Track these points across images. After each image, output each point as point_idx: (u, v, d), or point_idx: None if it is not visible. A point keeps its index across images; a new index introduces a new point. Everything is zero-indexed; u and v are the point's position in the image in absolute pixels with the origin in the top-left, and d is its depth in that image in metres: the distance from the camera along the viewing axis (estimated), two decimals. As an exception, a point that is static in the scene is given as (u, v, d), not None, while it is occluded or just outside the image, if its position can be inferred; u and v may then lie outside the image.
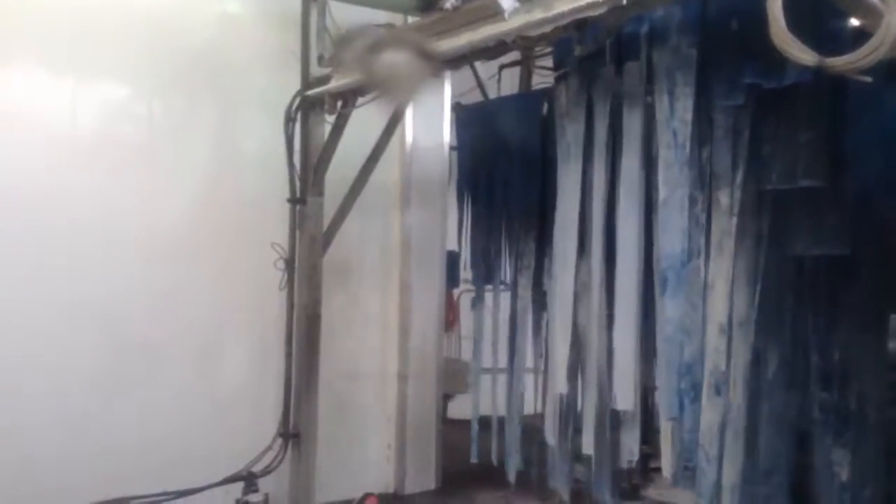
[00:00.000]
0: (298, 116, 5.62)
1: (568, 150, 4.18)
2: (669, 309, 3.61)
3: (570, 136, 4.16)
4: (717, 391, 3.49)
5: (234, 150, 5.86)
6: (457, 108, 5.60)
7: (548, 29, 3.65)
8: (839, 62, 2.64)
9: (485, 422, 5.21)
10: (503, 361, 5.08)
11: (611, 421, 4.10)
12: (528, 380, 5.03)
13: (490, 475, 5.47)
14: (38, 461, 4.92)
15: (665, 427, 3.70)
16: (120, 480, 5.17)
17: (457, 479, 6.77)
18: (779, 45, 2.74)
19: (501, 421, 5.06)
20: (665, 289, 3.61)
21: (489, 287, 5.31)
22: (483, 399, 5.27)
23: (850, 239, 3.34)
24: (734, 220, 3.46)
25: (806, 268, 3.51)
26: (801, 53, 2.71)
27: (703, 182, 3.59)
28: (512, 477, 4.97)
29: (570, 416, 4.34)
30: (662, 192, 3.64)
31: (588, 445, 4.10)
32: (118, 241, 5.31)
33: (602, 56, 3.95)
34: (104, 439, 5.19)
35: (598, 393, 4.07)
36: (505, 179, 4.94)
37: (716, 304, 3.51)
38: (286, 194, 5.68)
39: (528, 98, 5.10)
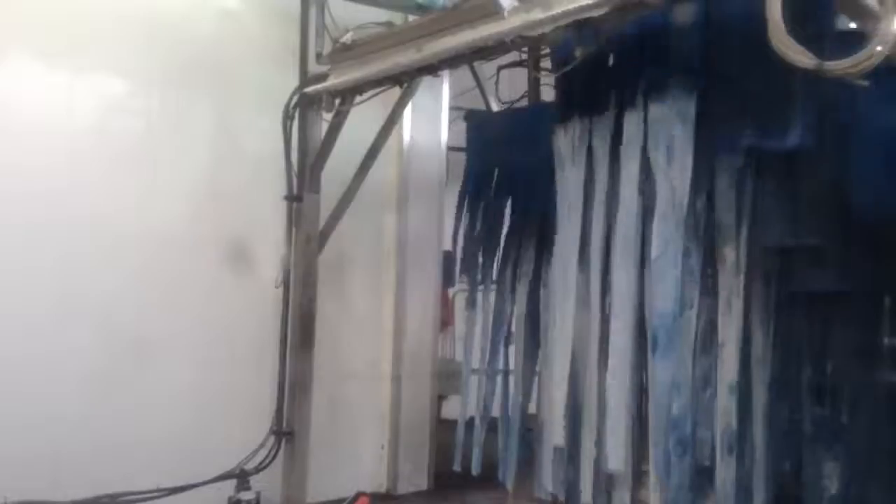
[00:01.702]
0: (296, 114, 5.61)
1: (567, 194, 4.11)
2: (660, 371, 3.54)
3: (570, 181, 4.09)
4: (730, 450, 3.44)
5: (232, 147, 5.85)
6: (470, 115, 5.58)
7: (547, 29, 3.64)
8: (837, 66, 2.64)
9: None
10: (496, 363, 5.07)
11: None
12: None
13: (483, 476, 5.46)
14: (31, 457, 4.88)
15: (653, 482, 3.63)
16: (113, 477, 5.15)
17: (450, 479, 6.74)
18: (777, 49, 2.74)
19: (493, 422, 5.04)
20: (655, 348, 3.54)
21: (481, 288, 5.29)
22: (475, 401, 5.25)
23: (850, 276, 3.33)
24: (741, 277, 3.41)
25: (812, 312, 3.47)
26: (799, 56, 2.71)
27: (698, 233, 3.52)
28: (509, 484, 4.88)
29: (569, 469, 4.20)
30: (655, 248, 3.57)
31: (587, 494, 3.98)
32: (114, 238, 5.29)
33: (604, 98, 3.90)
34: (98, 435, 5.16)
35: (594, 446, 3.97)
36: (511, 188, 4.93)
37: (726, 363, 3.46)
38: (283, 191, 5.67)
39: (540, 111, 5.00)
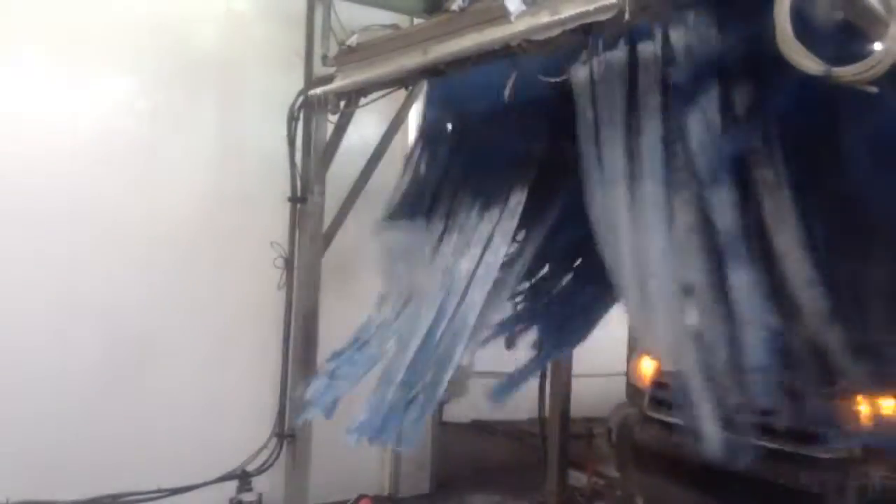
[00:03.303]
0: (301, 115, 5.62)
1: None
2: None
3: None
4: None
5: (236, 148, 5.85)
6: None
7: (554, 33, 3.62)
8: (846, 72, 2.63)
9: (480, 425, 5.21)
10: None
11: None
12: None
13: (484, 479, 5.47)
14: (32, 456, 4.89)
15: None
16: (114, 476, 5.16)
17: (451, 482, 6.76)
18: (786, 54, 2.74)
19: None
20: None
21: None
22: (479, 403, 5.25)
23: None
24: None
25: None
26: (807, 62, 2.70)
27: None
28: None
29: None
30: None
31: None
32: (117, 238, 5.30)
33: None
34: (99, 435, 5.16)
35: None
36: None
37: None
38: (287, 193, 5.67)
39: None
